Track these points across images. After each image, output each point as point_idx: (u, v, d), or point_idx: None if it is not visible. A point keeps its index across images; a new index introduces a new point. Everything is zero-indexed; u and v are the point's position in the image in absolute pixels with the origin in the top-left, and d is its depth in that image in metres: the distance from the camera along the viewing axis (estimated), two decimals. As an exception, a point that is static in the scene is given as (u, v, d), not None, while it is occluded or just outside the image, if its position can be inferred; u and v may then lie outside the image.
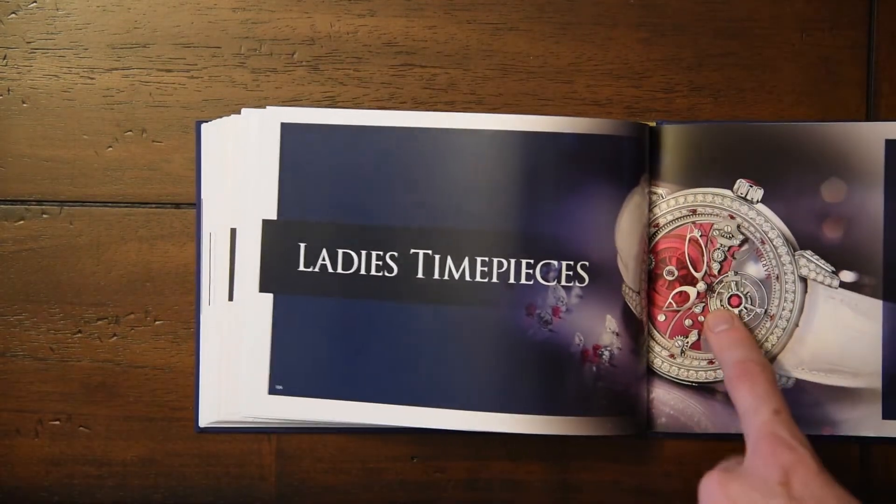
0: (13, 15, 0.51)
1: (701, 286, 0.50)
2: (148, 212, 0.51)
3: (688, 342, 0.50)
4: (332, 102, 0.51)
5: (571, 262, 0.48)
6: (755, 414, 0.44)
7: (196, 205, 0.51)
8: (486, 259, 0.48)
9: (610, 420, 0.48)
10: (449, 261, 0.49)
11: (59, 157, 0.51)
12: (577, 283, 0.48)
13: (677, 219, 0.50)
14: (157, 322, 0.51)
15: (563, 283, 0.48)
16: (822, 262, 0.49)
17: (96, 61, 0.51)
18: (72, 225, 0.52)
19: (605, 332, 0.48)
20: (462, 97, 0.51)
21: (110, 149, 0.51)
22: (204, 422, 0.51)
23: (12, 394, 0.52)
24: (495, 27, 0.51)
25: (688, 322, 0.50)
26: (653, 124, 0.50)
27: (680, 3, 0.51)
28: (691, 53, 0.51)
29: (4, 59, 0.51)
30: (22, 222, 0.52)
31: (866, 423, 0.49)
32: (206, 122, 0.51)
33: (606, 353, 0.48)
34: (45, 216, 0.52)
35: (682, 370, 0.50)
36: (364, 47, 0.51)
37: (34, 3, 0.51)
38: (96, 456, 0.52)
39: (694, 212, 0.50)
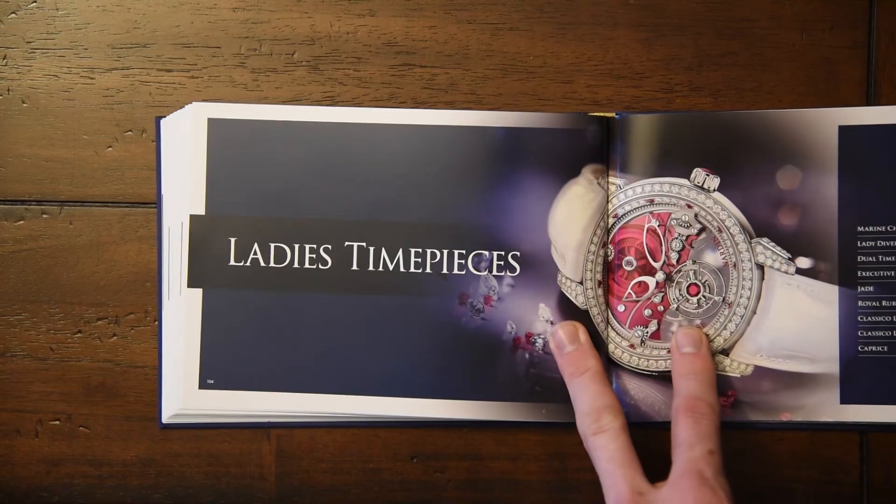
0: (13, 15, 0.51)
1: (660, 276, 0.50)
2: (148, 212, 0.51)
3: (647, 332, 0.50)
4: (333, 102, 0.51)
5: (503, 252, 0.50)
6: (689, 448, 0.44)
7: (157, 199, 0.51)
8: (420, 250, 0.50)
9: (545, 406, 0.49)
10: (383, 252, 0.50)
11: (59, 157, 0.51)
12: (509, 273, 0.50)
13: (635, 209, 0.50)
14: (156, 322, 0.51)
15: (495, 272, 0.50)
16: (779, 248, 0.49)
17: (96, 61, 0.51)
18: (72, 225, 0.52)
19: (539, 320, 0.50)
20: (462, 97, 0.51)
21: (110, 149, 0.51)
22: (166, 417, 0.51)
23: (12, 394, 0.52)
24: (495, 27, 0.51)
25: (647, 312, 0.50)
26: (611, 115, 0.50)
27: (680, 3, 0.51)
28: (691, 53, 0.51)
29: (4, 59, 0.51)
30: (22, 222, 0.52)
31: (824, 408, 0.49)
32: (163, 117, 0.51)
33: (540, 340, 0.50)
34: (44, 216, 0.52)
35: (643, 360, 0.50)
36: (364, 47, 0.51)
37: (34, 3, 0.51)
38: (96, 456, 0.52)
39: (652, 202, 0.50)
